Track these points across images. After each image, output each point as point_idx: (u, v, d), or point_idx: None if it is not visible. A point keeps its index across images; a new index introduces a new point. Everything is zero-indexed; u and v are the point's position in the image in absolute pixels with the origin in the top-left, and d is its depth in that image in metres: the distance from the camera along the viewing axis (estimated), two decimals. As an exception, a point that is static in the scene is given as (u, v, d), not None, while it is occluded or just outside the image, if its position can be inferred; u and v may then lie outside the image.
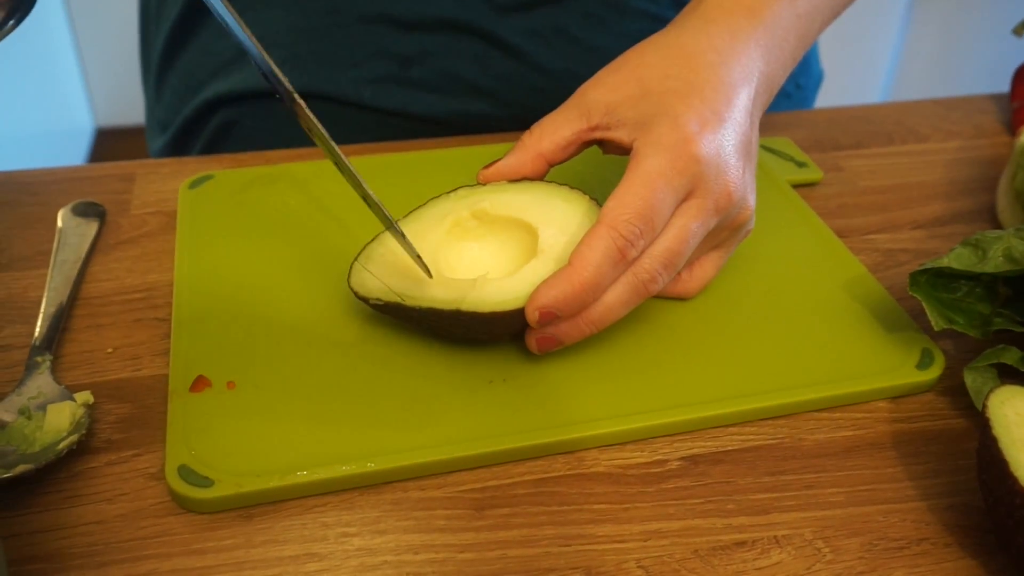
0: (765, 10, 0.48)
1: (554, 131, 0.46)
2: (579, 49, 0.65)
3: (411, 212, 0.47)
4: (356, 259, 0.45)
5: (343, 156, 0.44)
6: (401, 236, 0.44)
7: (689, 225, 0.43)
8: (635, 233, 0.41)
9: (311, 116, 0.43)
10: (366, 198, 0.44)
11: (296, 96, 0.42)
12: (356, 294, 0.44)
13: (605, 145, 0.47)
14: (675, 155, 0.42)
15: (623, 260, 0.41)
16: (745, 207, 0.46)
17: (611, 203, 0.42)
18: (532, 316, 0.41)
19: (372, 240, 0.46)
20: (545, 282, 0.41)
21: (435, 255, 0.45)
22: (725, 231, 0.46)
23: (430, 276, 0.43)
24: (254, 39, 0.41)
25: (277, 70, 0.41)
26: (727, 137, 0.44)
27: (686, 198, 0.43)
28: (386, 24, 0.64)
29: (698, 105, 0.44)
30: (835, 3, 0.54)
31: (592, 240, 0.41)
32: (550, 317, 0.41)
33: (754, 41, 0.47)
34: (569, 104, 0.47)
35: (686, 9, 0.50)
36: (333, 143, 0.44)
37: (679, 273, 0.47)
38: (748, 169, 0.45)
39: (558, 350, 0.45)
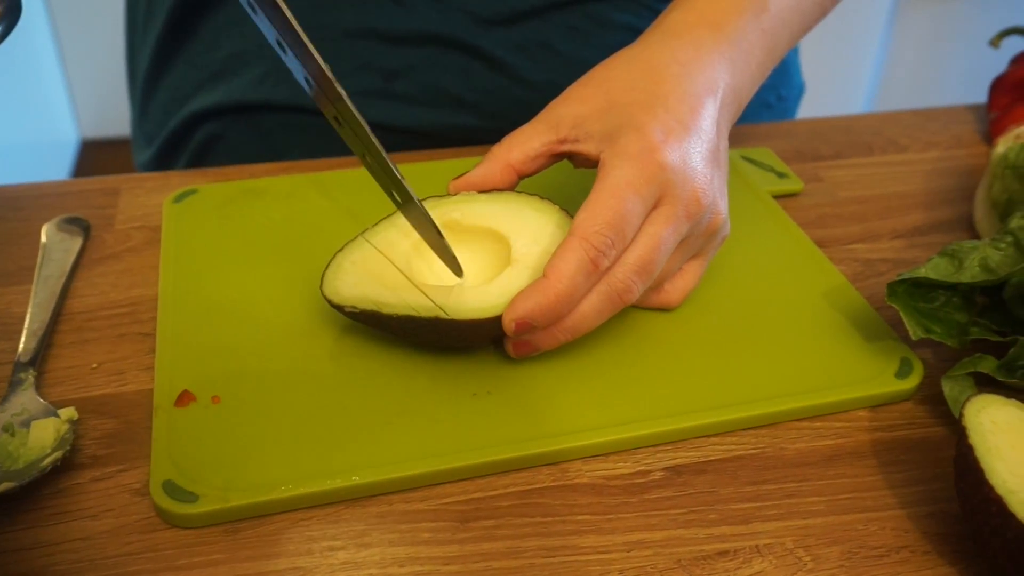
0: (728, 24, 0.49)
1: (523, 142, 0.47)
2: (563, 62, 0.66)
3: (381, 220, 0.47)
4: (328, 267, 0.45)
5: (387, 157, 0.45)
6: (439, 238, 0.45)
7: (660, 232, 0.44)
8: (606, 243, 0.42)
9: (354, 110, 0.43)
10: (404, 197, 0.46)
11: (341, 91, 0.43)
12: (330, 302, 0.44)
13: (575, 158, 0.48)
14: (641, 164, 0.43)
15: (596, 270, 0.42)
16: (716, 212, 0.46)
17: (581, 215, 0.43)
18: (509, 326, 0.42)
19: (342, 248, 0.46)
20: (521, 294, 0.42)
21: (407, 263, 0.46)
22: (700, 238, 0.47)
23: (460, 275, 0.45)
24: (302, 32, 0.41)
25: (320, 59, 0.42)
26: (693, 145, 0.45)
27: (655, 206, 0.44)
28: (370, 38, 0.64)
29: (662, 115, 0.45)
30: (804, 18, 0.55)
31: (564, 252, 0.42)
32: (526, 327, 0.42)
33: (718, 53, 0.48)
34: (539, 118, 0.48)
35: (652, 25, 0.51)
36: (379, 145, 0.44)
37: (662, 284, 0.48)
38: (717, 176, 0.46)
39: (541, 362, 0.45)
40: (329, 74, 0.43)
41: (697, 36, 0.48)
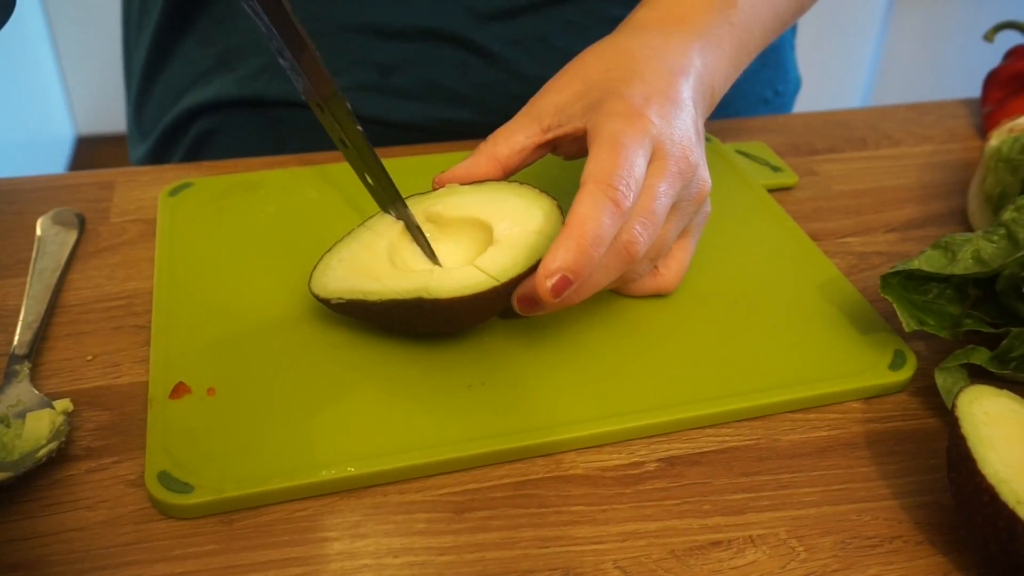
0: (694, 19, 0.50)
1: (508, 137, 0.47)
2: (559, 57, 0.65)
3: (365, 220, 0.48)
4: (316, 266, 0.46)
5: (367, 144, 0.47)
6: (413, 224, 0.46)
7: (657, 185, 0.43)
8: (624, 183, 0.41)
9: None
10: (379, 180, 0.47)
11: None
12: (317, 297, 0.45)
13: (561, 145, 0.48)
14: (630, 119, 0.43)
15: (619, 211, 0.41)
16: (703, 179, 0.47)
17: (590, 166, 0.42)
18: (544, 287, 0.39)
19: (330, 248, 0.47)
20: (549, 252, 0.40)
21: (392, 259, 0.46)
22: (691, 205, 0.47)
23: (438, 263, 0.45)
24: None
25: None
26: (674, 110, 0.46)
27: (649, 161, 0.44)
28: (367, 33, 0.64)
29: (640, 85, 0.45)
30: (778, 13, 0.55)
31: (583, 198, 0.41)
32: (565, 283, 0.39)
33: (687, 42, 0.49)
34: (521, 113, 0.48)
35: (620, 24, 0.52)
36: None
37: (657, 262, 0.48)
38: (699, 145, 0.46)
39: (535, 354, 0.45)
40: (317, 58, 0.44)
41: (664, 28, 0.50)
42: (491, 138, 0.48)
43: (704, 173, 0.47)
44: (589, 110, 0.45)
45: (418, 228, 0.47)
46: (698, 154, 0.46)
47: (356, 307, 0.44)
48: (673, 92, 0.46)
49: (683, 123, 0.45)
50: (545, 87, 0.49)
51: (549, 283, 0.39)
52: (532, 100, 0.48)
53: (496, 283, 0.42)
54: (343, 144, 0.48)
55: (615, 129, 0.43)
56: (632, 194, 0.41)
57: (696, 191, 0.47)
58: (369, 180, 0.48)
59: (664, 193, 0.43)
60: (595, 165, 0.42)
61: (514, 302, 0.43)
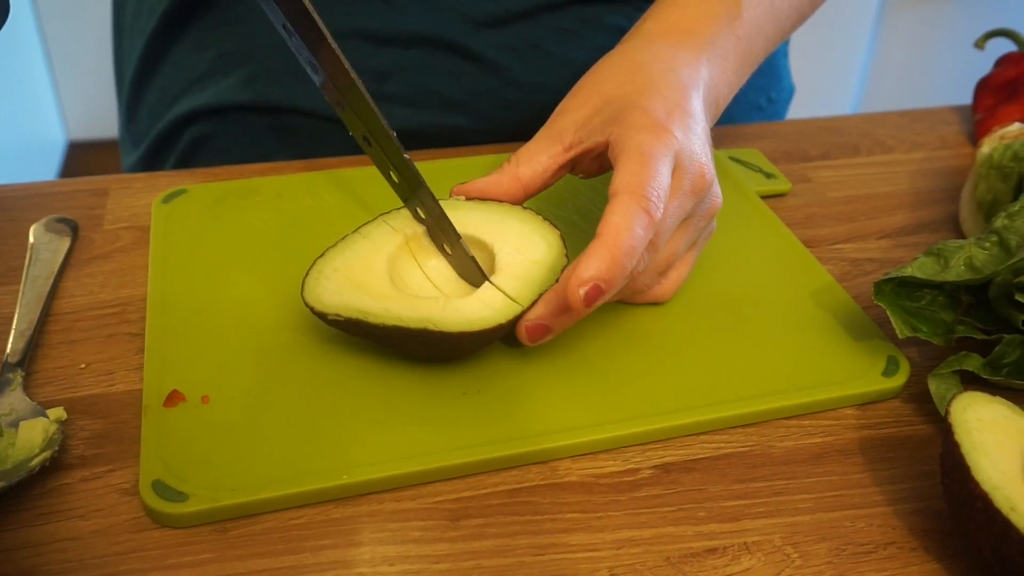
0: (702, 31, 0.51)
1: (530, 158, 0.47)
2: (553, 63, 0.66)
3: (360, 227, 0.47)
4: (308, 274, 0.45)
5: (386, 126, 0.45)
6: (457, 238, 0.45)
7: (669, 205, 0.44)
8: (656, 194, 0.41)
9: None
10: (412, 182, 0.46)
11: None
12: (312, 309, 0.43)
13: (581, 162, 0.48)
14: (654, 132, 0.44)
15: (651, 221, 0.41)
16: (716, 195, 0.47)
17: (620, 178, 0.42)
18: (576, 296, 0.39)
19: (323, 255, 0.46)
20: (581, 260, 0.40)
21: (387, 270, 0.45)
22: (702, 220, 0.47)
23: (485, 281, 0.44)
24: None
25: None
26: (693, 125, 0.46)
27: None
28: (361, 39, 0.64)
29: (659, 99, 0.46)
30: (780, 24, 0.56)
31: (616, 208, 0.41)
32: (597, 293, 0.39)
33: (696, 54, 0.50)
34: (541, 134, 0.48)
35: (627, 34, 0.52)
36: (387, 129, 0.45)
37: (665, 271, 0.48)
38: (713, 160, 0.47)
39: (530, 361, 0.45)
40: (338, 51, 0.43)
41: (672, 40, 0.50)
42: (513, 158, 0.48)
43: (717, 189, 0.47)
44: (610, 123, 0.45)
45: (450, 225, 0.45)
46: (712, 169, 0.46)
47: (354, 325, 0.43)
48: (689, 105, 0.47)
49: (700, 138, 0.46)
50: (561, 106, 0.49)
51: (582, 291, 0.39)
52: (550, 121, 0.49)
53: (503, 320, 0.42)
54: (366, 142, 0.46)
55: (642, 141, 0.43)
56: (663, 205, 0.42)
57: (708, 207, 0.47)
58: (394, 178, 0.47)
59: (672, 214, 0.44)
60: (625, 177, 0.42)
61: (521, 334, 0.43)
